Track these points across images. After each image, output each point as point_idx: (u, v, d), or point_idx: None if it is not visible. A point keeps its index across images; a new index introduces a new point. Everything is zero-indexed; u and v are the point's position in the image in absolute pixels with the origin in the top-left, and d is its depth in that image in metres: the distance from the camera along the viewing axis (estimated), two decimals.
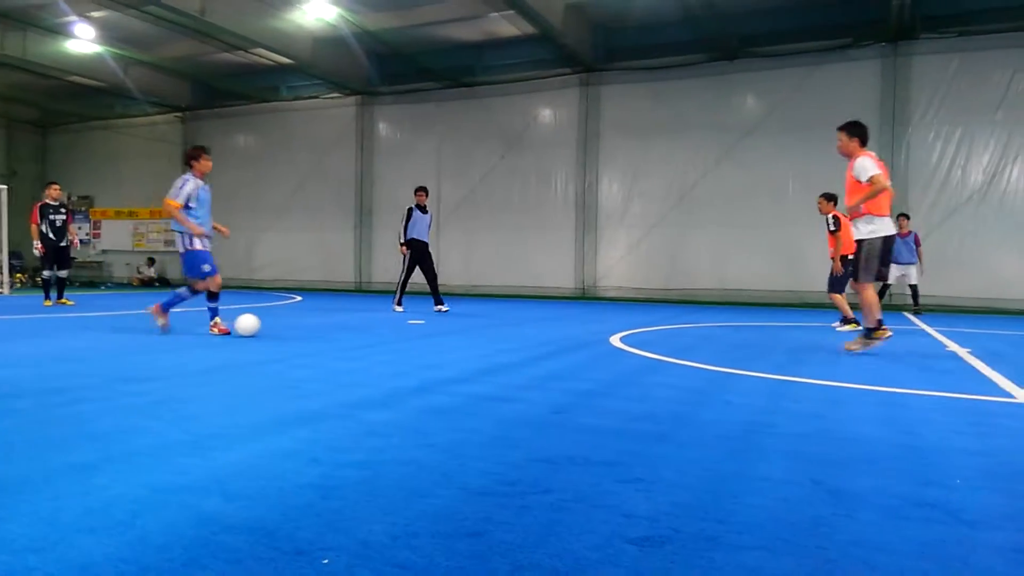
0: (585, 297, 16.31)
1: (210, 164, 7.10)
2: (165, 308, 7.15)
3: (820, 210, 9.09)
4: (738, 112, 15.17)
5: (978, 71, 13.23)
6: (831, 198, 8.94)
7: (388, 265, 17.65)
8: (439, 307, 10.93)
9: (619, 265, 16.31)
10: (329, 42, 16.39)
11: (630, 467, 2.61)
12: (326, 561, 1.74)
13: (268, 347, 6.17)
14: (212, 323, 7.13)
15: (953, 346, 7.08)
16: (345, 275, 19.23)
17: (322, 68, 17.15)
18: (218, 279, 7.21)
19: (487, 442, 2.96)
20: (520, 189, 17.07)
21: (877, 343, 6.18)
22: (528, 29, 14.62)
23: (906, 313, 12.21)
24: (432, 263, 11.09)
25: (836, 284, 8.81)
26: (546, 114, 17.10)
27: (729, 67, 15.04)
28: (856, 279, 6.15)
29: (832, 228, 8.79)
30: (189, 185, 6.96)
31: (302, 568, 1.70)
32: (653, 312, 11.93)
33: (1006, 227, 12.90)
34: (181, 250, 7.11)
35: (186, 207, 6.93)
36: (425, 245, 10.97)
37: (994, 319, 11.30)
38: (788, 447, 2.95)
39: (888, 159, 13.84)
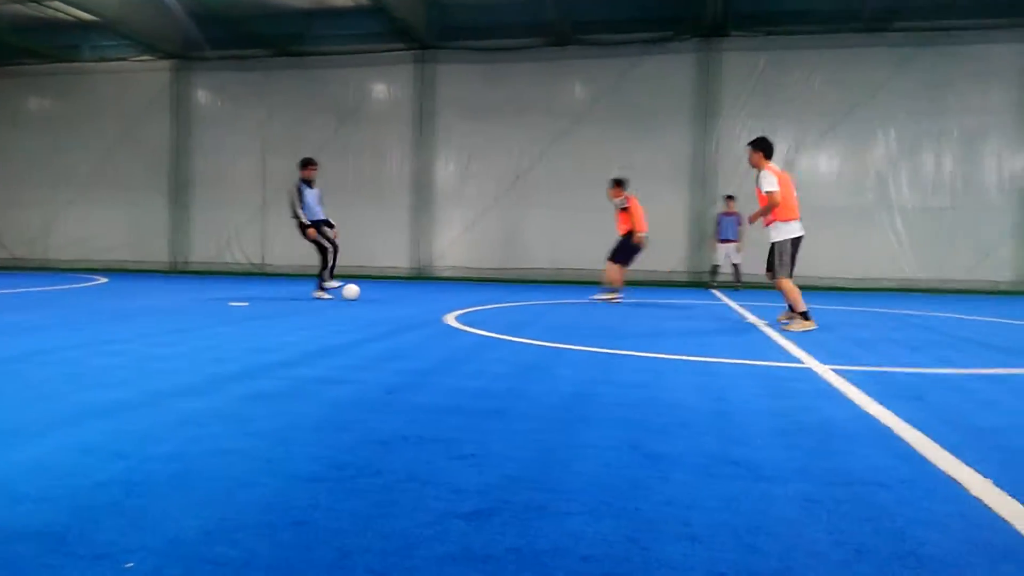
0: (421, 277, 16.23)
1: None
2: None
3: (610, 195, 10.13)
4: (570, 97, 15.67)
5: (779, 68, 14.57)
6: (620, 183, 10.09)
7: (284, 249, 16.26)
8: (332, 282, 9.79)
9: (455, 245, 16.37)
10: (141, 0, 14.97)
11: (462, 443, 2.62)
12: (130, 564, 1.59)
13: (67, 334, 5.56)
14: None
15: (751, 318, 7.80)
16: (158, 255, 17.78)
17: (131, 27, 15.63)
18: None
19: (315, 426, 2.85)
20: (354, 166, 16.58)
21: (813, 325, 6.66)
22: (360, 0, 14.16)
23: (713, 290, 13.30)
24: (329, 241, 9.80)
25: (620, 255, 10.08)
26: (380, 89, 16.72)
27: (562, 53, 15.47)
28: (775, 275, 6.78)
29: (624, 207, 9.97)
30: None
31: (101, 573, 1.55)
32: (488, 291, 12.11)
33: (803, 211, 14.34)
34: None
35: None
36: (324, 223, 9.77)
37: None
38: (612, 415, 3.10)
39: (701, 149, 14.94)
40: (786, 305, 6.95)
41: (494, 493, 2.09)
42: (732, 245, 13.50)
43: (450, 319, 7.17)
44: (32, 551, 1.65)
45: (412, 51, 16.16)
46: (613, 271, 10.09)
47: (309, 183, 9.77)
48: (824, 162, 14.54)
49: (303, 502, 2.00)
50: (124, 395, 3.34)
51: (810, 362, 4.70)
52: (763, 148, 6.99)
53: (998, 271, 13.87)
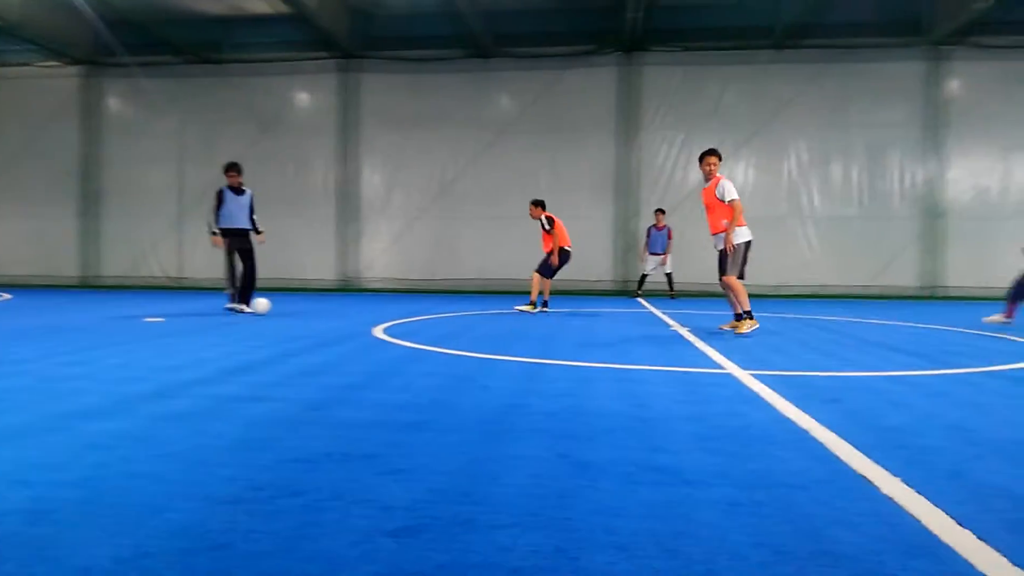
0: (348, 289, 15.97)
1: None
2: None
3: (532, 215, 10.27)
4: (494, 109, 15.76)
5: (697, 82, 15.06)
6: (539, 204, 10.26)
7: (203, 261, 15.57)
8: (242, 306, 9.28)
9: (382, 256, 16.19)
10: (46, 2, 14.24)
11: (389, 459, 2.57)
12: None
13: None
14: None
15: (675, 326, 7.99)
16: (67, 269, 16.91)
17: (35, 31, 14.87)
18: None
19: (233, 446, 2.75)
20: (277, 176, 16.19)
21: (756, 324, 7.09)
22: (280, 8, 13.90)
23: (639, 299, 13.58)
24: (252, 254, 9.41)
25: (546, 269, 10.08)
26: (303, 98, 16.43)
27: (485, 65, 15.57)
28: (725, 273, 7.04)
29: (547, 228, 10.05)
30: None
31: None
32: (416, 302, 12.01)
33: None
34: None
35: None
36: (244, 232, 9.35)
37: (707, 301, 12.96)
38: (539, 425, 3.11)
39: (624, 160, 15.27)
40: (732, 314, 7.18)
41: (422, 508, 2.06)
42: (660, 257, 13.79)
43: (378, 331, 7.06)
44: None
45: (336, 60, 15.95)
46: (536, 283, 10.17)
47: (233, 189, 9.41)
48: (740, 173, 15.09)
49: (221, 526, 1.92)
50: (26, 418, 3.14)
51: (730, 367, 4.84)
52: (720, 157, 7.26)
53: (903, 277, 14.68)
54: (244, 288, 9.36)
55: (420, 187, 15.92)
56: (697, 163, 14.66)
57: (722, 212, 7.05)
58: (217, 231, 9.23)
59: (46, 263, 16.89)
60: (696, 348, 6.01)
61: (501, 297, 13.93)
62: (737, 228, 7.01)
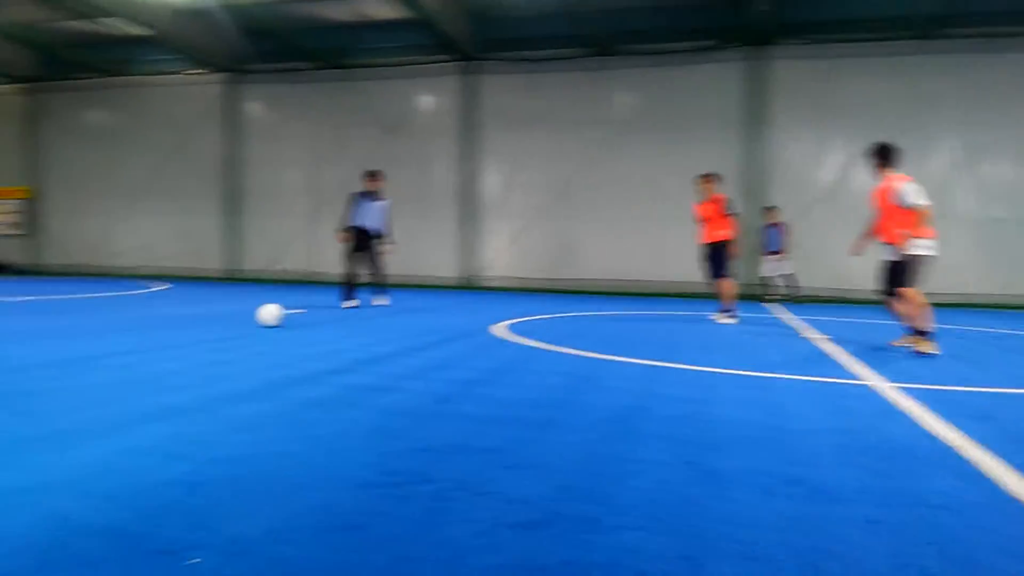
0: (469, 287, 16.32)
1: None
2: None
3: (704, 192, 8.90)
4: (615, 107, 15.61)
5: (830, 77, 14.28)
6: (714, 178, 9.05)
7: (335, 257, 16.77)
8: (382, 300, 9.98)
9: (502, 255, 16.42)
10: (191, 14, 15.43)
11: (512, 453, 2.61)
12: (198, 560, 1.62)
13: (128, 338, 5.74)
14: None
15: (810, 332, 7.62)
16: (213, 263, 18.26)
17: (183, 42, 16.14)
18: None
19: (367, 433, 2.88)
20: (401, 177, 16.74)
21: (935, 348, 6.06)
22: (404, 13, 14.39)
23: (763, 303, 13.05)
24: (375, 253, 9.95)
25: (725, 266, 8.79)
26: (426, 101, 16.93)
27: (605, 63, 15.44)
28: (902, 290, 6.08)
29: (729, 209, 8.71)
30: None
31: (166, 568, 1.59)
32: (536, 302, 12.11)
33: (853, 223, 14.00)
34: None
35: None
36: (372, 235, 9.86)
37: (843, 308, 12.28)
38: (664, 430, 3.06)
39: (752, 159, 14.71)
40: (906, 328, 6.25)
41: (546, 504, 2.08)
42: (777, 256, 13.23)
43: (499, 329, 7.18)
44: (103, 545, 1.70)
45: (456, 63, 16.32)
46: (728, 288, 8.78)
47: (368, 194, 9.97)
48: None
49: (357, 507, 2.02)
50: (184, 399, 3.42)
51: (871, 379, 4.56)
52: (885, 156, 6.34)
53: None
54: (376, 285, 9.98)
55: (539, 186, 16.00)
56: (830, 162, 13.93)
57: (898, 218, 6.09)
58: (343, 228, 9.89)
59: (194, 257, 18.30)
60: (830, 356, 5.71)
61: (621, 299, 13.80)
62: (918, 239, 5.99)
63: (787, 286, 13.31)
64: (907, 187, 6.07)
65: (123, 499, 2.03)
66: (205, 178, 18.16)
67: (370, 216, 9.86)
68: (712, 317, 8.91)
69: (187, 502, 2.02)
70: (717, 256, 8.75)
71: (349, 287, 9.77)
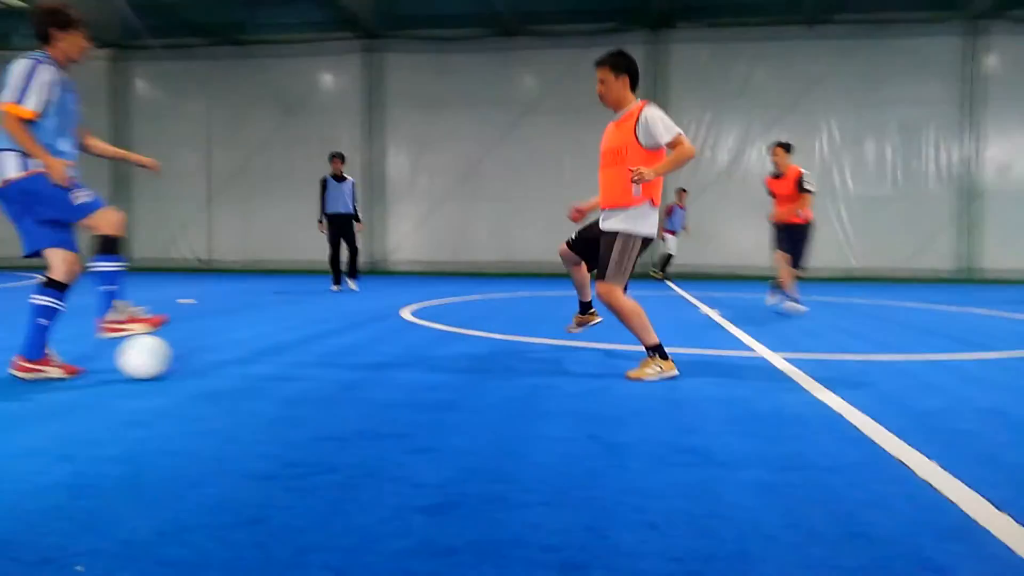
0: (375, 272, 16.06)
1: (83, 44, 3.80)
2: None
3: (776, 163, 7.58)
4: (520, 89, 15.66)
5: (725, 60, 14.81)
6: (788, 147, 7.60)
7: (232, 243, 16.28)
8: (352, 285, 10.11)
9: (409, 239, 16.24)
10: None
11: (420, 437, 2.60)
12: (80, 568, 1.53)
13: (4, 333, 5.34)
14: (119, 314, 3.68)
15: (705, 308, 7.93)
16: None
17: None
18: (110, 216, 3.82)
19: (268, 424, 2.80)
20: (302, 158, 16.27)
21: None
22: None
23: (668, 281, 13.49)
24: (354, 236, 10.13)
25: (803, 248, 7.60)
26: (328, 80, 16.46)
27: (511, 43, 15.44)
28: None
29: (807, 186, 7.38)
30: (44, 74, 3.56)
31: None
32: (443, 285, 12.06)
33: (745, 203, 14.66)
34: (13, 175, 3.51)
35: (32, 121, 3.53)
36: (346, 217, 10.00)
37: (735, 284, 12.84)
38: (568, 407, 3.12)
39: None
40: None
41: (453, 486, 2.08)
42: (677, 236, 13.75)
43: (406, 313, 7.11)
44: None
45: (360, 40, 15.93)
46: (787, 269, 7.49)
47: (336, 177, 9.99)
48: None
49: (257, 501, 1.95)
50: (69, 396, 3.22)
51: (761, 351, 4.80)
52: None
53: (939, 259, 14.38)
54: (351, 269, 10.17)
55: (446, 169, 15.89)
56: (725, 143, 14.43)
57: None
58: (323, 219, 9.96)
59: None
60: (727, 331, 5.96)
61: (525, 280, 13.93)
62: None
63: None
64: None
65: (0, 506, 1.89)
66: (90, 160, 16.86)
67: (342, 200, 9.96)
68: (783, 305, 7.51)
69: (72, 505, 1.90)
70: (795, 239, 7.47)
71: (335, 272, 10.09)
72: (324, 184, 9.99)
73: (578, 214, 4.32)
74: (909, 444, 2.53)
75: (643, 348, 3.88)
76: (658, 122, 3.82)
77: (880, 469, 2.28)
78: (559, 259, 4.28)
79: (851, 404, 3.15)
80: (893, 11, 14.09)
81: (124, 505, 1.91)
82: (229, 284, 11.69)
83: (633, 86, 4.16)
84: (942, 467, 2.26)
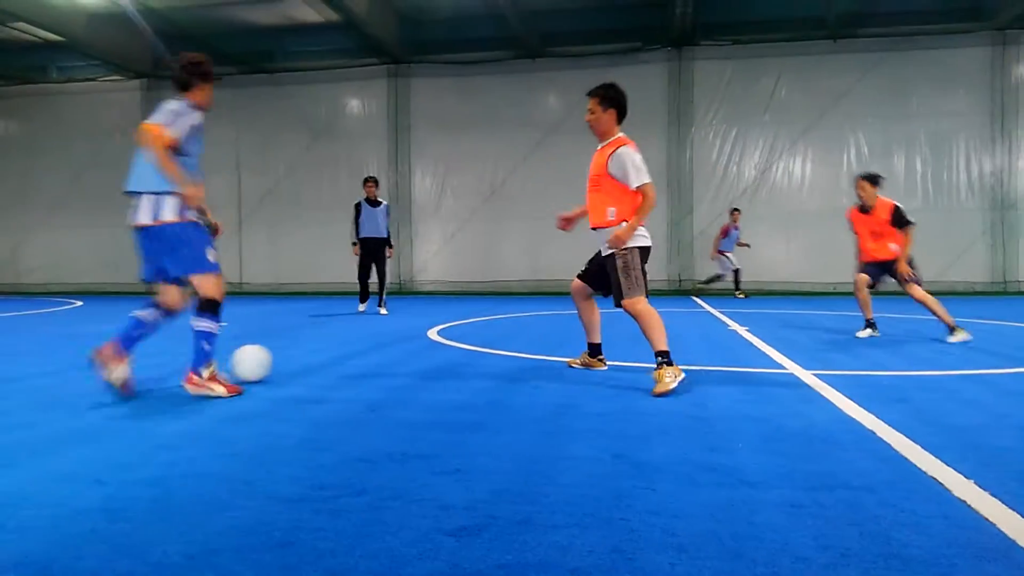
0: (402, 292, 16.17)
1: (212, 95, 4.25)
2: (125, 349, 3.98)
3: (862, 197, 7.08)
4: (543, 109, 15.75)
5: (749, 76, 14.76)
6: (875, 180, 7.07)
7: (262, 267, 16.63)
8: (382, 310, 9.97)
9: (435, 259, 16.34)
10: (108, 19, 14.82)
11: (447, 458, 2.60)
12: None
13: (39, 360, 5.46)
14: (203, 373, 3.85)
15: (733, 325, 7.85)
16: (130, 277, 17.52)
17: (100, 48, 15.47)
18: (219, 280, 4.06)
19: (296, 446, 2.82)
20: (329, 182, 16.51)
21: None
22: (331, 16, 14.17)
23: (692, 296, 13.38)
24: (385, 261, 10.14)
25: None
26: (354, 105, 16.70)
27: (533, 65, 15.57)
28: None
29: (907, 218, 7.05)
30: (191, 118, 3.99)
31: None
32: (469, 304, 12.09)
33: (772, 218, 14.54)
34: (149, 222, 3.88)
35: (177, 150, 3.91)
36: (379, 241, 10.02)
37: (763, 300, 12.70)
38: (593, 425, 3.10)
39: (675, 158, 15.06)
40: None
41: (480, 508, 2.08)
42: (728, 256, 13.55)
43: (432, 333, 7.14)
44: None
45: (385, 65, 16.18)
46: (929, 298, 6.90)
47: (369, 201, 10.08)
48: (797, 167, 14.74)
49: (286, 524, 1.97)
50: (100, 420, 3.28)
51: (792, 367, 4.73)
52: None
53: (972, 271, 14.10)
54: (379, 294, 10.16)
55: (471, 189, 16.01)
56: (751, 159, 14.30)
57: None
58: (356, 241, 10.02)
59: (113, 270, 17.46)
60: (756, 347, 5.90)
61: (551, 299, 13.91)
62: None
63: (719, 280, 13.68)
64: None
65: (36, 530, 1.93)
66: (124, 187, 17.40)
67: (375, 224, 10.02)
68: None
69: (107, 529, 1.93)
70: (891, 275, 7.06)
71: (363, 290, 10.23)
72: (358, 208, 10.05)
73: (565, 223, 4.86)
74: (944, 462, 2.47)
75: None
76: (628, 163, 4.21)
77: (914, 488, 2.23)
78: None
79: (883, 421, 3.09)
80: (918, 23, 13.96)
81: (155, 528, 1.94)
82: (260, 306, 11.84)
83: (620, 119, 4.51)
84: (979, 485, 2.21)
